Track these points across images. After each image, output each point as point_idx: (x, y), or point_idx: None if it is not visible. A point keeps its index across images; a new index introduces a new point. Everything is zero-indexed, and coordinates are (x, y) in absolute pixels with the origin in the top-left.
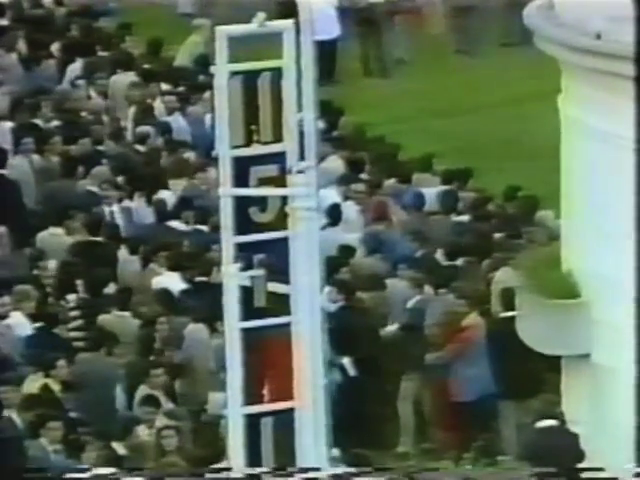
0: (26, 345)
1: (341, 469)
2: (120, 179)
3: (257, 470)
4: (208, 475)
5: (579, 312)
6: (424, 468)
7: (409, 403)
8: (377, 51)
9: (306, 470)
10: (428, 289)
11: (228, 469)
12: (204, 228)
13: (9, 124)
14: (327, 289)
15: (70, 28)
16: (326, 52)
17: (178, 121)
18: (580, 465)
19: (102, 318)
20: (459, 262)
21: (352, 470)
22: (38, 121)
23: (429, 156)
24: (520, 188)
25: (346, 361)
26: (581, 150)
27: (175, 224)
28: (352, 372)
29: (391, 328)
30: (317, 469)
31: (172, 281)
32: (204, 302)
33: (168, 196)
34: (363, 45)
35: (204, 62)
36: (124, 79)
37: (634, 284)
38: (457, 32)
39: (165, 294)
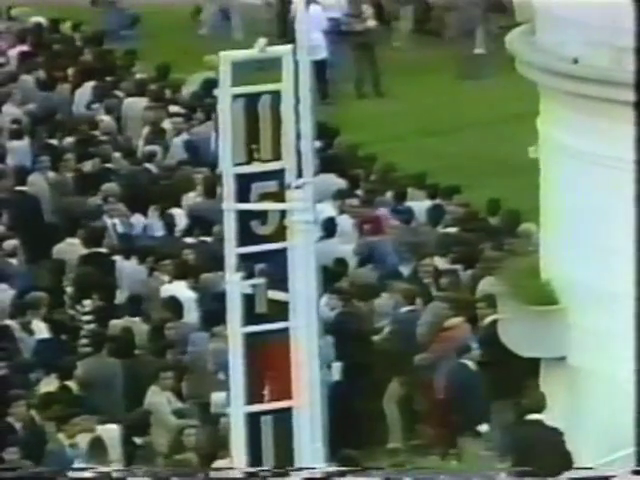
0: (43, 349)
1: (336, 467)
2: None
3: (256, 469)
4: (212, 474)
5: (557, 318)
6: (416, 467)
7: (394, 402)
8: (372, 72)
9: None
10: (417, 298)
11: (230, 468)
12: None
13: (27, 142)
14: (325, 297)
15: (84, 53)
16: (317, 73)
17: (185, 141)
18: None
19: (113, 323)
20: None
21: (346, 469)
22: (53, 141)
23: (422, 173)
24: (500, 201)
25: (336, 365)
26: (558, 167)
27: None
28: (339, 376)
29: (383, 334)
30: (312, 468)
31: (179, 289)
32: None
33: (178, 213)
34: (358, 67)
35: (210, 86)
36: (137, 102)
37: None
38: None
39: (173, 301)
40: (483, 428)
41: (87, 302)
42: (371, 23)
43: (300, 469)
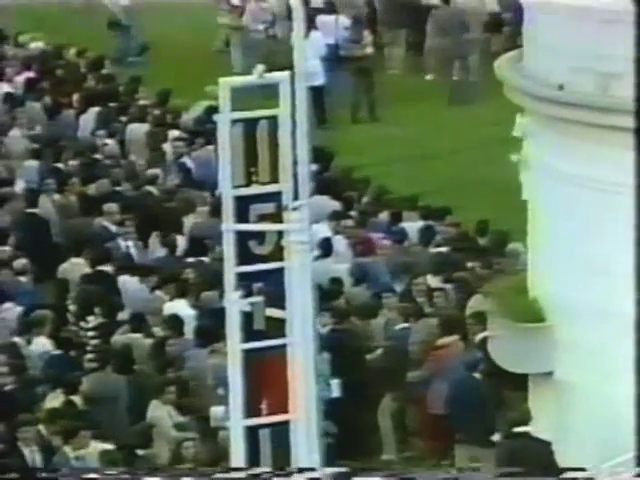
0: (48, 365)
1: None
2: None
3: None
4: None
5: (544, 334)
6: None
7: (388, 416)
8: (368, 98)
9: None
10: (410, 316)
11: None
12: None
13: (36, 164)
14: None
15: (88, 79)
16: (315, 98)
17: (186, 164)
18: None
19: (116, 339)
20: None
21: (346, 470)
22: (59, 164)
23: (414, 195)
24: (489, 222)
25: (334, 382)
26: (545, 189)
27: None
28: (337, 393)
29: (377, 351)
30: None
31: (180, 307)
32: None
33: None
34: (355, 92)
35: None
36: (139, 127)
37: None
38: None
39: (174, 318)
40: (495, 437)
41: (91, 318)
42: (370, 49)
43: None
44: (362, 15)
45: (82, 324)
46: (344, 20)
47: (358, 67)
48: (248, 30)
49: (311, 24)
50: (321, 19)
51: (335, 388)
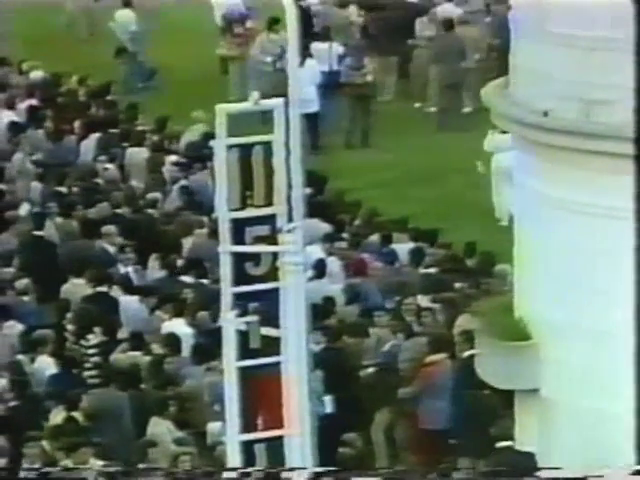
0: (51, 383)
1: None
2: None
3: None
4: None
5: (529, 353)
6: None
7: (381, 431)
8: (364, 123)
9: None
10: (400, 335)
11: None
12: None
13: (39, 189)
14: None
15: (89, 106)
16: (309, 125)
17: (188, 187)
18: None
19: (115, 357)
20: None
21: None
22: (61, 188)
23: (404, 218)
24: (476, 244)
25: (327, 398)
26: (531, 212)
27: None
28: (330, 409)
29: (369, 368)
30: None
31: (178, 326)
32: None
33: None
34: (352, 118)
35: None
36: (138, 152)
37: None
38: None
39: (172, 337)
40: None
41: (91, 336)
42: (370, 77)
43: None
44: (362, 42)
45: (82, 342)
46: (338, 48)
47: (357, 94)
48: (252, 60)
49: (306, 51)
50: (316, 46)
51: (328, 404)
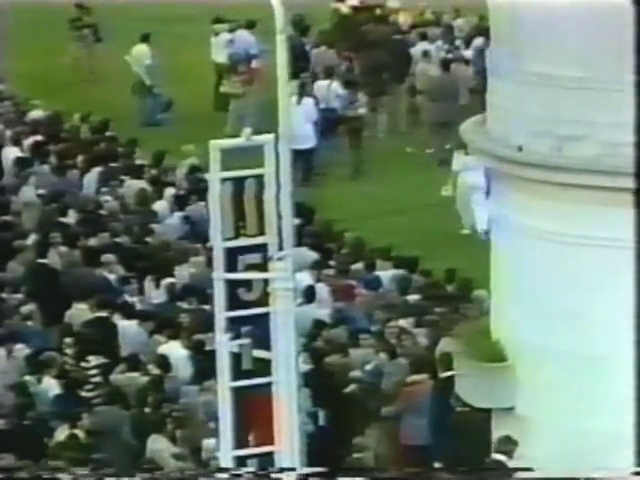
0: (55, 402)
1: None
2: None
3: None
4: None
5: (505, 373)
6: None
7: (368, 448)
8: (356, 155)
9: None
10: (383, 355)
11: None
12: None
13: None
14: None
15: (92, 142)
16: (304, 160)
17: (189, 217)
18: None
19: (115, 377)
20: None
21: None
22: (65, 219)
23: (388, 247)
24: (456, 271)
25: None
26: (506, 241)
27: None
28: (322, 421)
29: (354, 387)
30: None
31: (174, 348)
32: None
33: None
34: (346, 151)
35: (196, 171)
36: (137, 184)
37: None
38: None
39: (163, 358)
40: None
41: (92, 358)
42: (363, 110)
43: (281, 470)
44: (357, 79)
45: (83, 364)
46: (337, 86)
47: (350, 127)
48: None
49: (303, 89)
50: (318, 84)
51: (320, 417)
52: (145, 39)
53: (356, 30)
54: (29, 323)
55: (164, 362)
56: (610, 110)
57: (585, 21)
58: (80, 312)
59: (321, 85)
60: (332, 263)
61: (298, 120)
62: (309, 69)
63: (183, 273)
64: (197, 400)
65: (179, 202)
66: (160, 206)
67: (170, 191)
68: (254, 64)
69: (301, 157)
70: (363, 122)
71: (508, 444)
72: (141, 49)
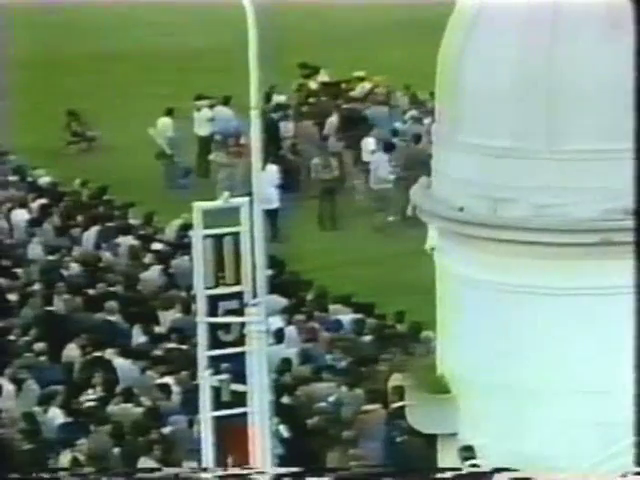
0: (60, 430)
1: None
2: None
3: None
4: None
5: (449, 403)
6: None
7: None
8: (330, 213)
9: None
10: (344, 388)
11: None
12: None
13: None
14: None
15: (91, 205)
16: (271, 218)
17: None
18: None
19: (111, 408)
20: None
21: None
22: (67, 272)
23: (348, 295)
24: (405, 313)
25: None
26: (449, 290)
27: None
28: (286, 434)
29: (317, 416)
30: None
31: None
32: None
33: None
34: (320, 209)
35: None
36: (129, 240)
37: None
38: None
39: (163, 386)
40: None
41: (90, 391)
42: (337, 172)
43: (263, 472)
44: (328, 145)
45: (83, 397)
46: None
47: (325, 188)
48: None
49: (269, 157)
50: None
51: (283, 430)
52: (169, 113)
53: (328, 104)
54: (41, 359)
55: (166, 389)
56: (537, 176)
57: (516, 97)
58: (78, 351)
59: None
60: (300, 309)
61: (263, 185)
62: (277, 139)
63: (167, 318)
64: (182, 427)
65: (163, 256)
66: (149, 259)
67: (157, 246)
68: (243, 140)
69: (268, 216)
70: (336, 183)
71: (470, 452)
72: (164, 122)
